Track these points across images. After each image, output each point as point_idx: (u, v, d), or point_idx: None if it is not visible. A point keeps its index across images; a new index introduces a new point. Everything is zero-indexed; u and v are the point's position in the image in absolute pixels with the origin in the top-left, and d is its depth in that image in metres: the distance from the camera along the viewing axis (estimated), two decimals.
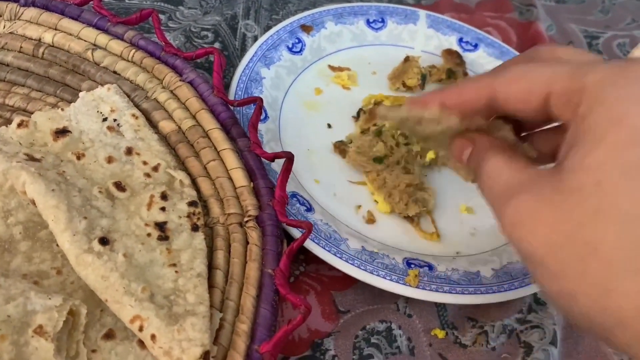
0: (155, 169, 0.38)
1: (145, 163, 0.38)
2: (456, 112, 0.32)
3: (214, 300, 0.33)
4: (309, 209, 0.41)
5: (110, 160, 0.37)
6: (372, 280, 0.37)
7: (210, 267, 0.35)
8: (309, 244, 0.38)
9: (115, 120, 0.39)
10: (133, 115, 0.40)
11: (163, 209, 0.36)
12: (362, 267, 0.37)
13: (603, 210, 0.25)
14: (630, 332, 0.24)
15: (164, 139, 0.41)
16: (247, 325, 0.33)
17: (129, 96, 0.42)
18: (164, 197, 0.36)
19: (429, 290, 0.37)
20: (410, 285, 0.37)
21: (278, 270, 0.35)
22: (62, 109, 0.39)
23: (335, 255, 0.38)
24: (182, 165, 0.40)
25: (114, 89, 0.41)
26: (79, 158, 0.37)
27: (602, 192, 0.25)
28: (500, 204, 0.29)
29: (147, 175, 0.37)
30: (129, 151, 0.38)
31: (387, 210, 0.43)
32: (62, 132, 0.38)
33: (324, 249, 0.38)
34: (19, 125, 0.38)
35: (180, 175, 0.38)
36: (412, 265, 0.39)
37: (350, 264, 0.37)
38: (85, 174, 0.36)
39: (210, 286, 0.34)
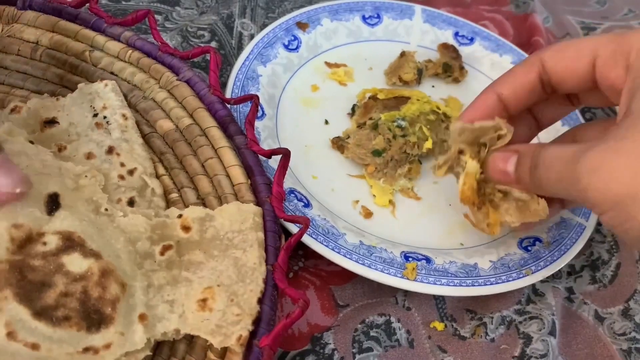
0: (131, 172, 0.38)
1: (122, 165, 0.38)
2: (513, 98, 0.35)
3: None
4: (307, 204, 0.41)
5: (89, 156, 0.37)
6: (370, 274, 0.38)
7: None
8: (307, 240, 0.38)
9: (105, 117, 0.39)
10: (123, 115, 0.40)
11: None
12: (360, 262, 0.38)
13: None
14: None
15: (154, 142, 0.41)
16: None
17: (126, 96, 0.42)
18: (130, 203, 0.36)
19: (427, 283, 0.38)
20: (408, 279, 0.38)
21: (276, 265, 0.35)
22: (58, 98, 0.40)
23: (334, 250, 0.38)
24: (179, 164, 0.40)
25: (111, 85, 0.41)
26: (60, 150, 0.37)
27: None
28: (574, 164, 0.29)
29: (121, 177, 0.37)
30: (110, 150, 0.38)
31: (385, 204, 0.43)
32: (50, 123, 0.38)
33: (322, 244, 0.38)
34: (12, 110, 0.38)
35: (154, 183, 0.38)
36: (410, 259, 0.39)
37: (348, 258, 0.38)
38: (62, 165, 0.36)
39: None
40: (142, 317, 0.31)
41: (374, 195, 0.44)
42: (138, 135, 0.40)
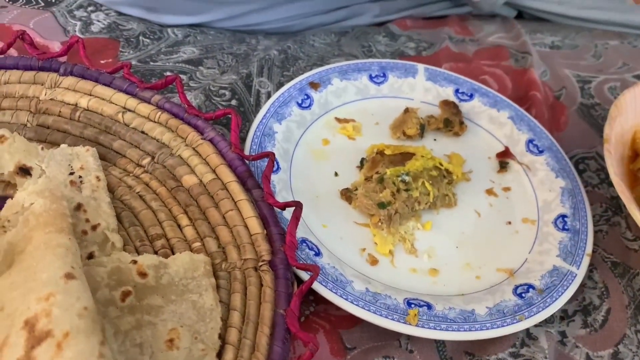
0: (95, 228, 0.40)
1: (87, 221, 0.40)
2: None
3: (231, 338, 0.37)
4: (318, 253, 0.45)
5: None
6: (375, 320, 0.41)
7: (228, 308, 0.39)
8: (318, 287, 0.42)
9: (80, 177, 0.42)
10: (97, 177, 0.43)
11: None
12: (366, 308, 0.41)
13: None
14: None
15: (179, 195, 0.45)
16: None
17: (154, 153, 0.47)
18: (90, 257, 0.39)
19: (428, 328, 0.41)
20: (410, 324, 0.41)
21: (289, 310, 0.39)
22: (43, 148, 0.44)
23: (342, 297, 0.42)
24: (203, 215, 0.44)
25: (92, 151, 0.45)
26: None
27: None
28: None
29: (84, 232, 0.40)
30: (78, 207, 0.41)
31: (385, 252, 0.47)
32: (24, 171, 0.41)
33: (331, 291, 0.42)
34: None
35: (114, 238, 0.40)
36: (412, 305, 0.43)
37: (355, 304, 0.41)
38: None
39: (228, 326, 0.38)
40: None
41: (376, 243, 0.48)
42: (107, 195, 0.43)
